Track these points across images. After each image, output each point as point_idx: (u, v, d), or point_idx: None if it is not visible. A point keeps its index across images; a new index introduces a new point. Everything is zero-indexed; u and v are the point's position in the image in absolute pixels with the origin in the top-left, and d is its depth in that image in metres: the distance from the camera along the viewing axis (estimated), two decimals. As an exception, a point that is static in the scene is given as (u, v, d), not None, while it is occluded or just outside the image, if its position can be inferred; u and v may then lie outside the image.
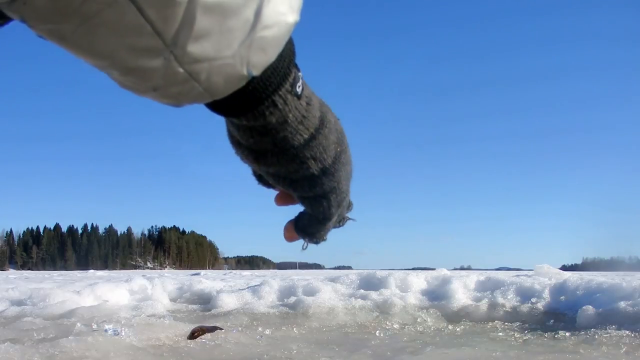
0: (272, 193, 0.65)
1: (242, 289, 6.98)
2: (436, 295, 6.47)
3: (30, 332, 4.53)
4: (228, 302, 6.34)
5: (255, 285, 7.03)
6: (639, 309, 5.04)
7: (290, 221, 0.66)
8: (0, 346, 3.54)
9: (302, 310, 5.87)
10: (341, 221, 0.69)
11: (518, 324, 5.54)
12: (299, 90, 0.51)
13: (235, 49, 0.44)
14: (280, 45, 0.47)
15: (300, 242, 0.68)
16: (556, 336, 4.74)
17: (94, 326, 4.33)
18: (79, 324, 4.41)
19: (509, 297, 6.22)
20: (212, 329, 4.49)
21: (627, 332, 4.60)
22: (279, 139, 0.53)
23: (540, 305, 5.98)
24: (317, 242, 0.68)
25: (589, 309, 5.27)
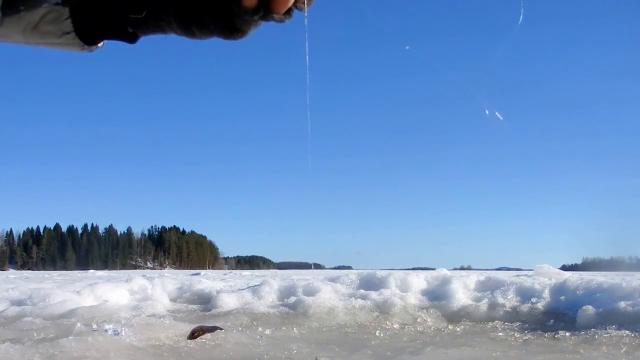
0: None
1: (242, 289, 6.98)
2: (436, 295, 6.47)
3: (30, 332, 4.53)
4: (228, 302, 6.34)
5: (255, 285, 7.03)
6: (639, 309, 5.04)
7: None
8: (0, 346, 3.54)
9: (302, 310, 5.87)
10: None
11: (518, 324, 5.54)
12: None
13: None
14: None
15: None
16: (556, 336, 4.74)
17: (94, 326, 4.34)
18: (79, 324, 4.41)
19: (509, 297, 6.22)
20: (212, 329, 4.49)
21: (627, 332, 4.60)
22: None
23: (540, 305, 5.98)
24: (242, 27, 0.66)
25: (589, 309, 5.27)
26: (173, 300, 7.07)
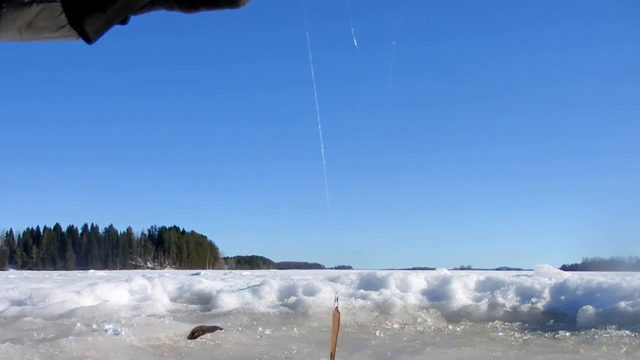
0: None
1: (242, 289, 6.98)
2: (436, 295, 6.47)
3: (30, 332, 4.53)
4: (228, 302, 6.34)
5: (255, 285, 7.03)
6: (639, 309, 5.04)
7: None
8: (0, 346, 3.54)
9: (302, 310, 5.87)
10: None
11: (518, 324, 5.54)
12: None
13: None
14: None
15: None
16: (556, 336, 4.74)
17: (94, 326, 4.34)
18: (79, 324, 4.42)
19: (509, 297, 6.22)
20: (212, 329, 4.49)
21: (627, 332, 4.60)
22: None
23: (540, 305, 5.98)
24: None
25: (589, 309, 5.27)
26: (173, 300, 7.07)
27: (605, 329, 4.75)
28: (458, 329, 5.34)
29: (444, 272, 7.50)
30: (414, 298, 6.35)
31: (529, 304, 6.02)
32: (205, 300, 6.73)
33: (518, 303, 6.11)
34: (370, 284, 6.92)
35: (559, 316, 5.66)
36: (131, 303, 6.41)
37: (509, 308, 6.02)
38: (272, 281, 7.05)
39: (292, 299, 6.28)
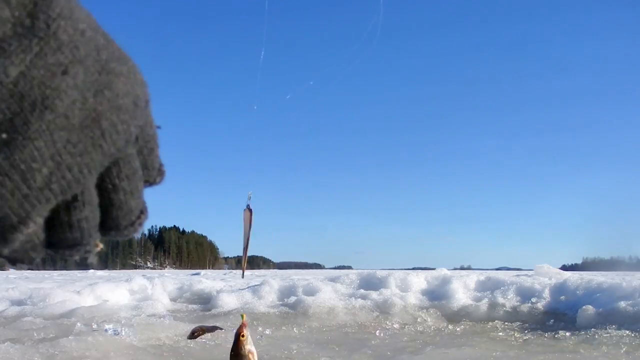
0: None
1: (242, 289, 6.98)
2: (436, 295, 6.47)
3: (31, 331, 4.53)
4: (228, 301, 6.34)
5: (255, 285, 7.03)
6: (639, 309, 5.04)
7: None
8: (0, 346, 3.54)
9: (302, 310, 5.87)
10: None
11: (518, 323, 5.54)
12: None
13: None
14: None
15: None
16: (556, 336, 4.74)
17: (94, 326, 4.34)
18: (79, 324, 4.42)
19: (509, 297, 6.22)
20: (212, 329, 4.48)
21: (627, 331, 4.60)
22: None
23: (540, 305, 5.98)
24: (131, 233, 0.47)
25: (589, 309, 5.27)
26: (173, 300, 7.07)
27: (605, 329, 4.75)
28: (458, 329, 5.34)
29: (444, 272, 7.50)
30: (414, 298, 6.35)
31: (529, 304, 6.02)
32: (205, 300, 6.73)
33: (518, 303, 6.11)
34: (370, 284, 6.92)
35: (559, 316, 5.66)
36: (131, 303, 6.41)
37: (509, 308, 6.02)
38: (272, 281, 7.05)
39: (292, 299, 6.27)
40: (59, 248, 0.42)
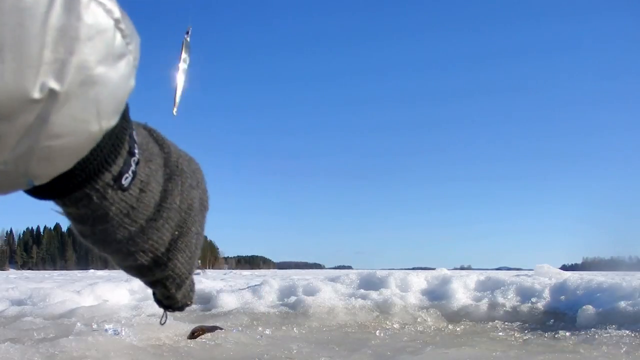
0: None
1: (242, 289, 6.98)
2: (436, 295, 6.47)
3: (31, 331, 4.53)
4: (228, 301, 6.34)
5: (255, 285, 7.03)
6: (639, 309, 5.04)
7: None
8: (0, 346, 3.54)
9: (302, 310, 5.87)
10: (187, 298, 0.64)
11: (518, 323, 5.54)
12: (125, 182, 0.46)
13: (8, 158, 0.38)
14: (79, 154, 0.41)
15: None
16: (556, 336, 4.74)
17: (94, 326, 4.34)
18: (79, 324, 4.41)
19: (509, 297, 6.22)
20: (213, 329, 4.49)
21: (627, 331, 4.60)
22: (98, 230, 0.47)
23: (540, 305, 5.98)
24: (175, 310, 0.65)
25: (589, 309, 5.27)
26: (173, 300, 7.06)
27: (605, 329, 4.75)
28: (458, 329, 5.34)
29: (444, 272, 7.50)
30: (414, 298, 6.35)
31: (529, 304, 6.02)
32: (206, 300, 6.73)
33: (518, 303, 6.11)
34: (370, 284, 6.92)
35: (559, 316, 5.66)
36: (131, 303, 6.41)
37: (509, 308, 6.02)
38: (272, 281, 7.05)
39: (292, 298, 6.28)
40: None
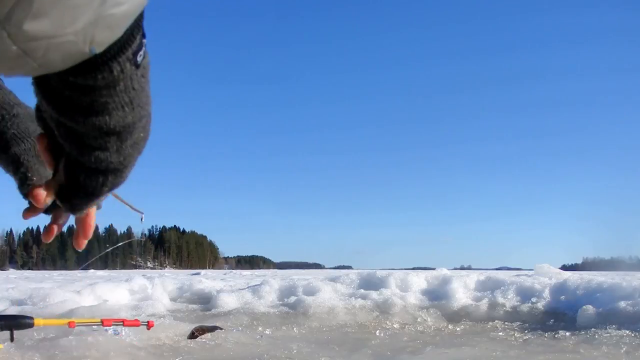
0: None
1: (242, 289, 6.98)
2: (436, 295, 6.47)
3: (30, 332, 4.53)
4: (228, 301, 6.34)
5: (255, 285, 7.03)
6: (639, 309, 5.04)
7: (49, 185, 0.59)
8: (0, 346, 3.54)
9: (302, 310, 5.87)
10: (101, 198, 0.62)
11: (518, 323, 5.54)
12: (139, 59, 0.48)
13: (79, 27, 0.41)
14: (130, 21, 0.44)
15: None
16: (556, 336, 4.74)
17: (94, 326, 4.33)
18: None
19: (509, 297, 6.22)
20: (212, 329, 4.49)
21: (627, 331, 4.60)
22: (99, 102, 0.49)
23: (540, 305, 5.98)
24: (74, 212, 0.64)
25: (589, 309, 5.27)
26: (173, 300, 7.07)
27: (605, 329, 4.75)
28: (458, 329, 5.34)
29: (444, 272, 7.50)
30: (414, 298, 6.35)
31: (529, 304, 6.02)
32: (205, 300, 6.73)
33: (518, 303, 6.11)
34: (370, 283, 6.92)
35: (559, 316, 5.66)
36: (131, 303, 6.41)
37: (509, 308, 6.02)
38: (272, 281, 7.05)
39: (292, 298, 6.28)
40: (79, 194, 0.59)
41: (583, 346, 4.27)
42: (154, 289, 7.12)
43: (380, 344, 4.48)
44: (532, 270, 9.47)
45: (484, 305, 6.07)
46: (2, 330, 3.07)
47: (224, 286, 7.70)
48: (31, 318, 3.21)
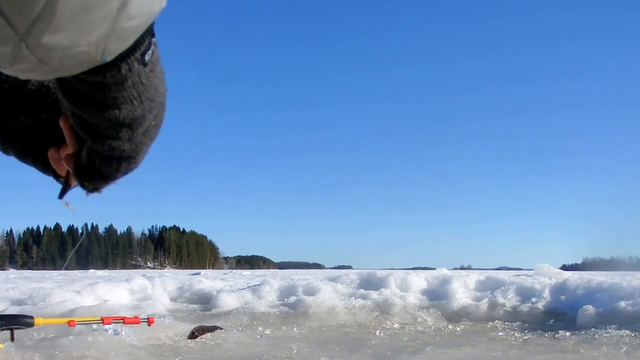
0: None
1: (242, 289, 6.99)
2: (436, 295, 6.47)
3: (30, 332, 4.53)
4: (228, 301, 6.34)
5: (256, 285, 7.03)
6: (639, 309, 5.04)
7: (69, 157, 0.62)
8: (0, 346, 3.54)
9: (302, 309, 5.87)
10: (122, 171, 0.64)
11: (518, 323, 5.54)
12: (147, 57, 0.51)
13: (93, 39, 0.44)
14: (141, 32, 0.47)
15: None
16: (556, 336, 4.74)
17: (94, 326, 4.33)
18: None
19: (509, 297, 6.22)
20: (213, 329, 4.49)
21: (627, 331, 4.60)
22: (109, 98, 0.52)
23: (540, 305, 5.98)
24: (87, 191, 0.65)
25: (589, 309, 5.27)
26: (173, 299, 7.07)
27: (605, 328, 4.75)
28: (458, 329, 5.34)
29: (444, 272, 7.50)
30: (414, 298, 6.35)
31: (529, 304, 6.02)
32: (205, 300, 6.73)
33: (518, 303, 6.11)
34: (370, 283, 6.92)
35: (559, 316, 5.66)
36: (131, 303, 6.41)
37: (509, 308, 6.02)
38: (272, 281, 7.05)
39: (292, 298, 6.28)
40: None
41: (583, 346, 4.27)
42: (154, 289, 7.12)
43: (380, 344, 4.48)
44: (532, 270, 9.48)
45: (484, 305, 6.07)
46: (2, 329, 3.07)
47: (224, 286, 7.71)
48: (31, 318, 3.22)
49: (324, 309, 5.88)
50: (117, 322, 3.60)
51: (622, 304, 5.21)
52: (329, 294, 6.41)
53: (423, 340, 4.65)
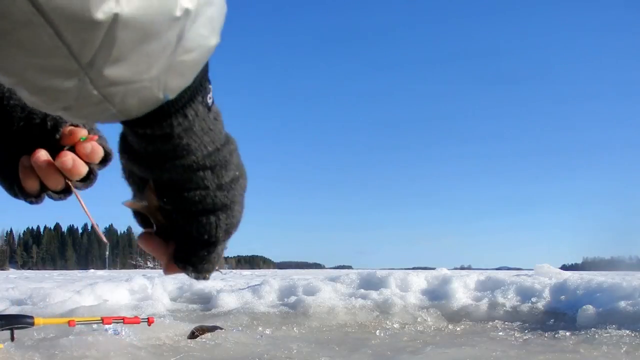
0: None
1: (242, 289, 6.99)
2: (436, 295, 6.47)
3: (30, 332, 4.53)
4: (228, 301, 6.34)
5: (256, 285, 7.03)
6: (639, 309, 5.04)
7: (168, 252, 0.56)
8: (0, 346, 3.54)
9: (302, 309, 5.87)
10: (216, 260, 0.57)
11: (518, 323, 5.54)
12: (209, 101, 0.49)
13: (154, 73, 0.43)
14: (199, 68, 0.46)
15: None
16: (556, 336, 4.74)
17: (94, 326, 4.34)
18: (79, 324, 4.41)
19: (509, 297, 6.22)
20: (213, 329, 4.50)
21: (627, 331, 4.60)
22: (182, 145, 0.49)
23: (540, 305, 5.98)
24: (201, 276, 0.58)
25: (589, 309, 5.27)
26: (173, 299, 7.07)
27: (605, 328, 4.75)
28: (458, 329, 5.34)
29: (444, 271, 7.51)
30: (414, 298, 6.35)
31: (529, 304, 6.02)
32: (206, 300, 6.74)
33: (518, 303, 6.11)
34: (370, 283, 6.92)
35: (559, 316, 5.66)
36: (131, 303, 6.41)
37: (509, 308, 6.02)
38: (272, 281, 7.05)
39: (292, 298, 6.28)
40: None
41: (583, 346, 4.27)
42: (154, 288, 7.12)
43: (380, 344, 4.48)
44: (532, 270, 9.47)
45: (484, 305, 6.07)
46: (2, 329, 3.07)
47: (224, 286, 7.71)
48: (31, 317, 3.22)
49: (324, 309, 5.88)
50: (117, 322, 3.60)
51: (622, 303, 5.21)
52: (329, 294, 6.41)
53: (423, 340, 4.65)
